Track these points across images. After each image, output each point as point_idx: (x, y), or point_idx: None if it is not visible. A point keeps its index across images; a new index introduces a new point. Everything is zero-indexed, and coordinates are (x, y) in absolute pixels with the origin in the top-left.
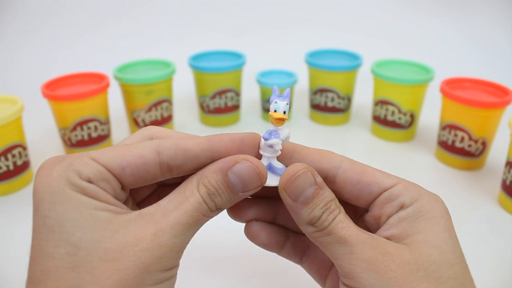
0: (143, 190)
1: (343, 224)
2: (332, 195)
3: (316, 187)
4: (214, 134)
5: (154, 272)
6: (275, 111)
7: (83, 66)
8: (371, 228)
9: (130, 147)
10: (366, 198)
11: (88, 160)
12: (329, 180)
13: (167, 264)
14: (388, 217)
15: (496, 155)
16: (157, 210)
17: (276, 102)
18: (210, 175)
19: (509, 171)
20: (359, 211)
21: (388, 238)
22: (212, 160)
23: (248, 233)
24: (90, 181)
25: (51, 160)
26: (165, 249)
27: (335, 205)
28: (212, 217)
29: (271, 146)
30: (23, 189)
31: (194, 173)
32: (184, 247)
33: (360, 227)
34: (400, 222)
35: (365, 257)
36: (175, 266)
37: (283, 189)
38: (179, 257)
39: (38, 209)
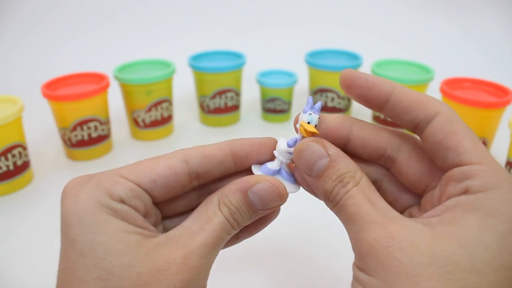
0: (173, 206)
1: (354, 200)
2: (350, 167)
3: (329, 159)
4: (233, 139)
5: None
6: (308, 122)
7: (83, 66)
8: (434, 203)
9: (157, 159)
10: (441, 163)
11: (117, 178)
12: (419, 130)
13: (196, 286)
14: (448, 198)
15: (496, 155)
16: (183, 233)
17: (310, 114)
18: (231, 195)
19: (509, 171)
20: None
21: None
22: (235, 165)
23: None
24: (122, 201)
25: (77, 180)
26: (194, 271)
27: (350, 177)
28: (233, 234)
29: (291, 153)
30: (23, 189)
31: (219, 179)
32: (211, 267)
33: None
34: (454, 208)
35: (369, 239)
36: (203, 287)
37: (297, 165)
38: (207, 278)
39: (66, 232)
